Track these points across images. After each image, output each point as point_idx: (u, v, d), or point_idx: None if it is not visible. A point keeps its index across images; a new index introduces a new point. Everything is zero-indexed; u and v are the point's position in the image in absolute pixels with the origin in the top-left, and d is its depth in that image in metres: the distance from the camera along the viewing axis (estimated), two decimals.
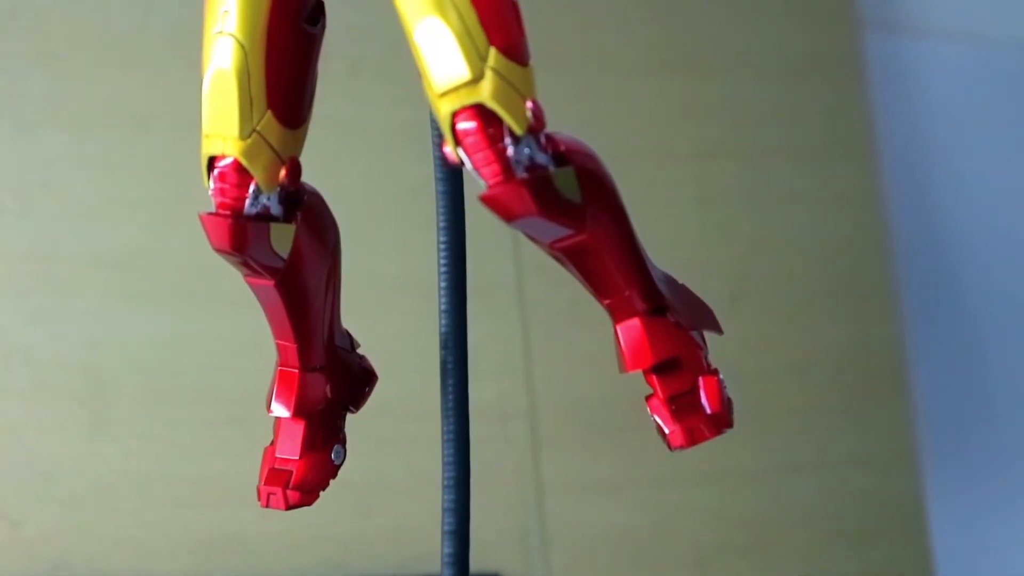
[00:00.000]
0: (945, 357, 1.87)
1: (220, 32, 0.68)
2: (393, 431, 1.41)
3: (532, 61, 0.67)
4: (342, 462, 0.81)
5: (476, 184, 0.66)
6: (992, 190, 1.93)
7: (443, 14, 0.64)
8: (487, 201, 0.65)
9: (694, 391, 0.72)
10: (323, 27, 0.73)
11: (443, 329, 0.83)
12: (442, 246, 0.83)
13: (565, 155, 0.67)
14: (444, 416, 0.82)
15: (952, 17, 1.97)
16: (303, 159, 0.73)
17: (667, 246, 1.57)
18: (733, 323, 1.60)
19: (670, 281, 0.74)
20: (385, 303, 1.44)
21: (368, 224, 1.45)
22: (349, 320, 0.82)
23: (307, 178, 0.73)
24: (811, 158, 1.78)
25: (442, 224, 0.82)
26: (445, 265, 0.83)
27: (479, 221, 0.66)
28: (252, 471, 0.79)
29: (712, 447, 0.73)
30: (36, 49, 1.42)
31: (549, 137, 0.66)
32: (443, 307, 0.83)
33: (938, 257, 1.90)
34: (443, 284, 0.83)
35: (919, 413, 1.80)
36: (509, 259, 1.53)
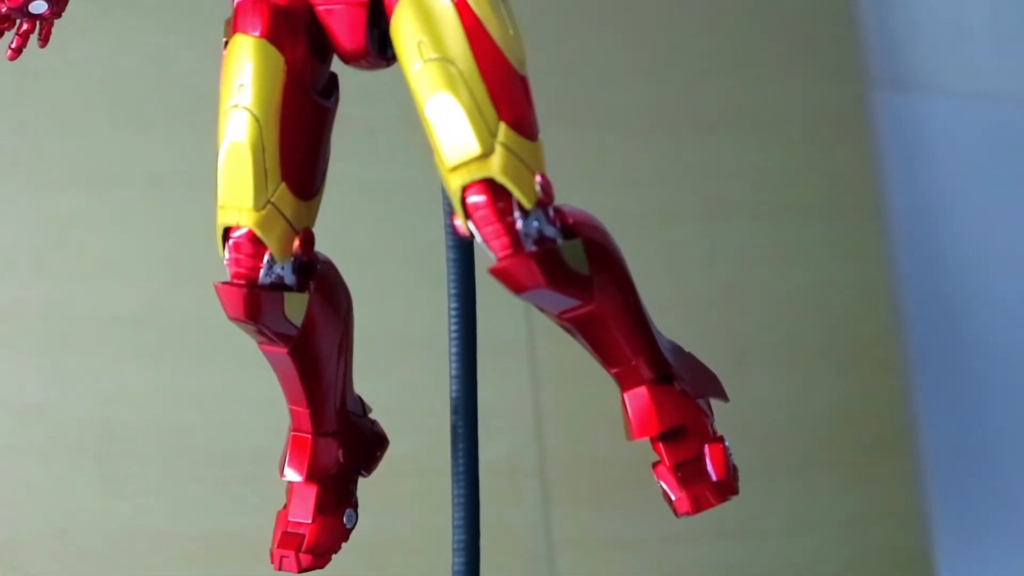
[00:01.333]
0: (951, 413, 1.88)
1: (235, 106, 0.70)
2: (403, 487, 1.42)
3: (541, 119, 0.68)
4: (354, 526, 0.82)
5: (486, 253, 0.67)
6: (1000, 248, 1.93)
7: (454, 90, 0.66)
8: (497, 273, 0.66)
9: (700, 459, 0.73)
10: (336, 100, 0.74)
11: (454, 394, 0.85)
12: (453, 312, 0.84)
13: (573, 228, 0.68)
14: (455, 480, 0.84)
15: (961, 75, 1.98)
16: (316, 221, 0.74)
17: (675, 304, 1.61)
18: (740, 381, 1.62)
19: (676, 349, 0.75)
20: (395, 359, 1.45)
21: (379, 282, 1.46)
22: (360, 376, 0.83)
23: (320, 235, 0.75)
24: (819, 216, 1.79)
25: (453, 291, 0.84)
26: (456, 332, 0.84)
27: (490, 281, 0.68)
28: (266, 528, 0.80)
29: (721, 505, 0.74)
30: (53, 109, 1.44)
31: (557, 210, 0.68)
32: (454, 372, 0.85)
33: (945, 314, 1.91)
34: (454, 350, 0.84)
35: (926, 469, 1.81)
36: (520, 317, 1.54)
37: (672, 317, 1.41)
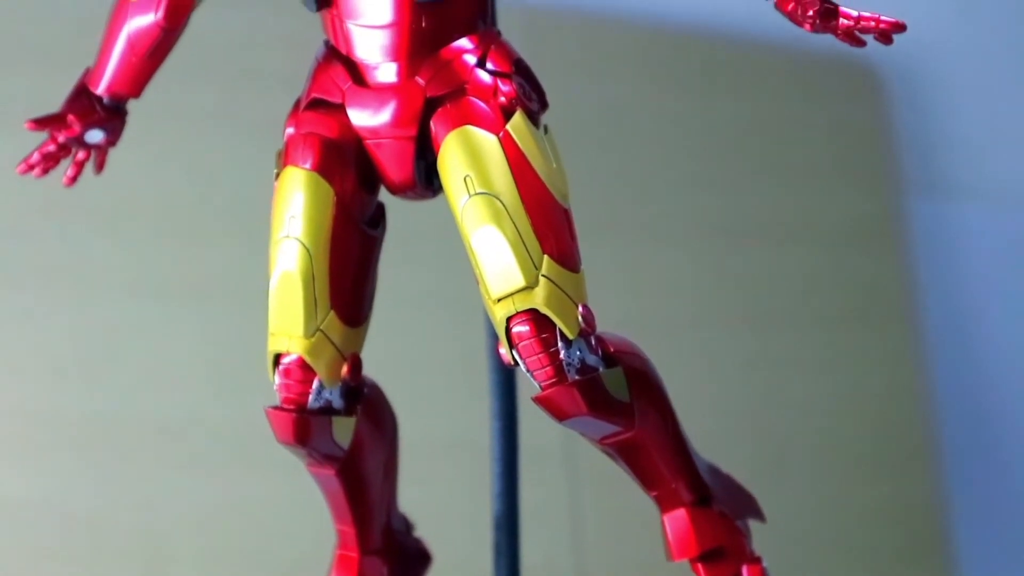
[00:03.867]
0: (987, 521, 1.87)
1: (287, 236, 0.72)
2: None
3: (581, 227, 0.71)
4: None
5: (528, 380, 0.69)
6: None
7: (499, 224, 0.68)
8: (541, 402, 0.68)
9: None
10: (384, 229, 0.77)
11: (496, 512, 0.87)
12: (496, 432, 0.86)
13: (614, 356, 0.70)
14: None
15: (995, 181, 1.99)
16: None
17: (713, 411, 1.62)
18: (779, 487, 1.63)
19: (714, 470, 0.77)
20: (437, 467, 1.46)
21: (419, 389, 1.48)
22: (401, 484, 0.85)
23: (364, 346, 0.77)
24: (854, 323, 1.80)
25: (496, 410, 0.86)
26: (499, 450, 0.86)
27: (529, 387, 0.70)
28: None
29: None
30: (99, 219, 1.46)
31: (599, 338, 0.70)
32: (497, 490, 0.87)
33: (978, 420, 1.91)
34: (497, 469, 0.87)
35: (961, 574, 1.80)
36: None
37: (710, 422, 1.43)
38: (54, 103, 0.82)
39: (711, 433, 0.79)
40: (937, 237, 1.92)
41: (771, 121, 1.82)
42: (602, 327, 0.70)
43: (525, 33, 1.58)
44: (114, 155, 0.83)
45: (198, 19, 0.79)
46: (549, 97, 0.74)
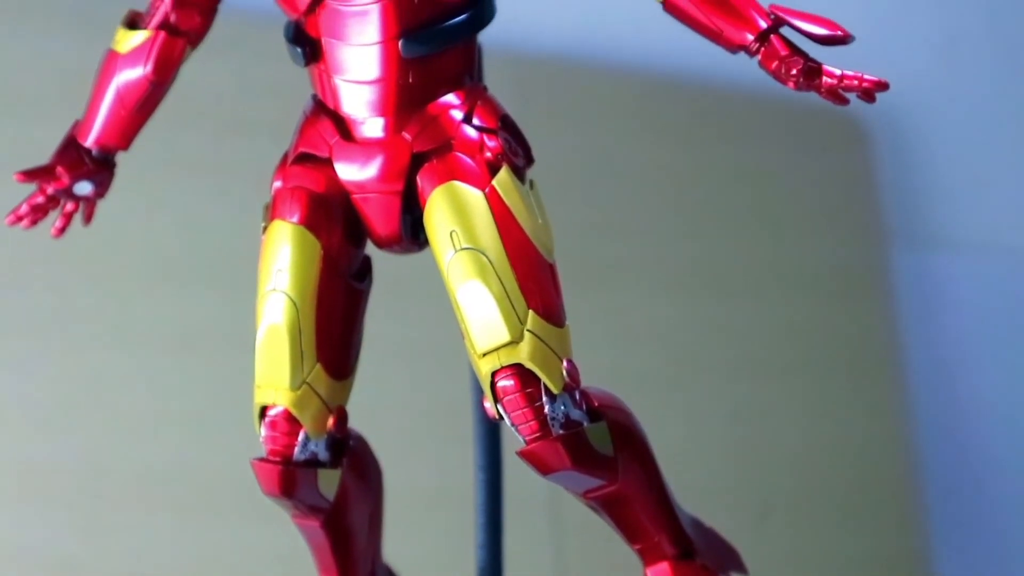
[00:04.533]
0: (971, 570, 1.88)
1: (273, 290, 0.73)
2: None
3: (565, 276, 0.71)
4: None
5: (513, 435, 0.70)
6: (1020, 404, 1.94)
7: (484, 279, 0.68)
8: (525, 456, 0.69)
9: None
10: (370, 283, 0.77)
11: (480, 563, 0.87)
12: (480, 483, 0.87)
13: (599, 410, 0.71)
14: None
15: (980, 230, 2.00)
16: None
17: (697, 462, 1.62)
18: (762, 539, 1.63)
19: (697, 524, 0.77)
20: (420, 516, 1.46)
21: (403, 439, 1.48)
22: (386, 534, 0.85)
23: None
24: (839, 372, 1.80)
25: (480, 463, 0.86)
26: (483, 502, 0.87)
27: (514, 438, 0.70)
28: None
29: None
30: (86, 267, 1.46)
31: (583, 393, 0.70)
32: (480, 541, 0.87)
33: (964, 471, 1.91)
34: (481, 520, 0.87)
35: None
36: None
37: (693, 472, 1.43)
38: (41, 151, 0.82)
39: (694, 483, 0.80)
40: (920, 287, 1.93)
41: (755, 171, 1.84)
42: (586, 376, 0.71)
43: (512, 82, 1.59)
44: (101, 203, 0.84)
45: (186, 67, 0.80)
46: (536, 145, 0.74)
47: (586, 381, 0.71)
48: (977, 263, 1.98)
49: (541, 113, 1.63)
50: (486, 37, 0.76)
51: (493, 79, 0.78)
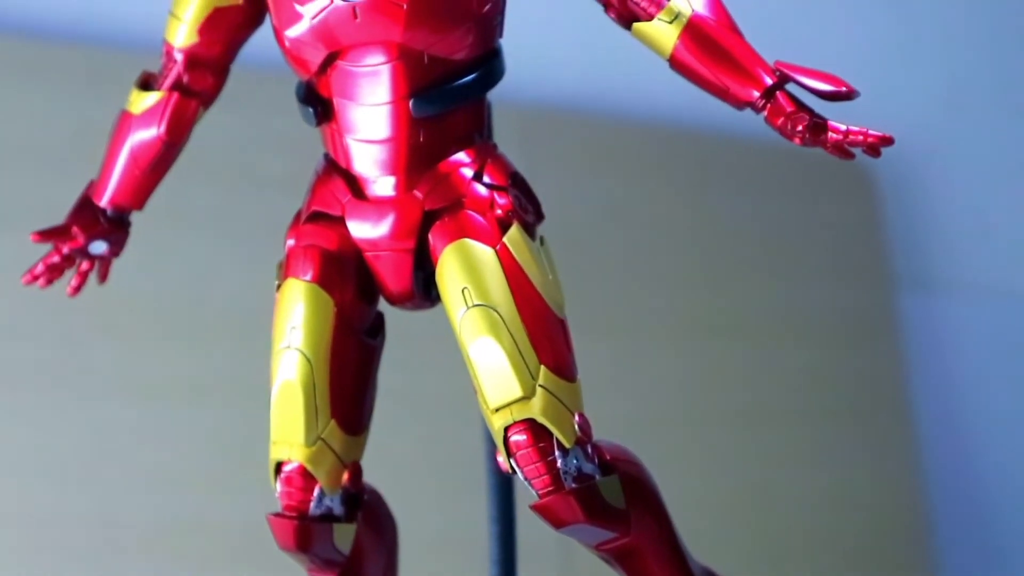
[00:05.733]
0: None
1: (287, 347, 0.74)
2: None
3: (573, 324, 0.72)
4: None
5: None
6: None
7: (496, 335, 0.69)
8: (538, 509, 0.69)
9: None
10: (383, 339, 0.78)
11: None
12: (493, 536, 0.87)
13: (610, 464, 0.71)
14: None
15: (985, 273, 2.00)
16: None
17: (708, 507, 1.62)
18: None
19: (708, 573, 0.77)
20: (435, 568, 1.47)
21: (417, 491, 1.48)
22: None
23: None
24: (847, 417, 1.81)
25: (493, 515, 0.87)
26: (496, 555, 0.87)
27: (527, 490, 0.71)
28: None
29: None
30: (99, 322, 1.47)
31: (595, 446, 0.71)
32: None
33: (974, 512, 1.92)
34: (494, 573, 0.87)
35: None
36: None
37: (706, 519, 1.43)
38: (55, 204, 0.83)
39: (706, 531, 0.80)
40: (927, 331, 1.94)
41: (763, 219, 1.84)
42: (598, 423, 0.71)
43: (521, 132, 1.61)
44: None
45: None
46: (544, 195, 0.75)
47: (598, 428, 0.71)
48: (983, 307, 1.98)
49: (550, 164, 1.64)
50: (495, 88, 0.76)
51: (501, 130, 0.79)
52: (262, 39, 0.79)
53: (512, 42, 0.76)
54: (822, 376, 1.81)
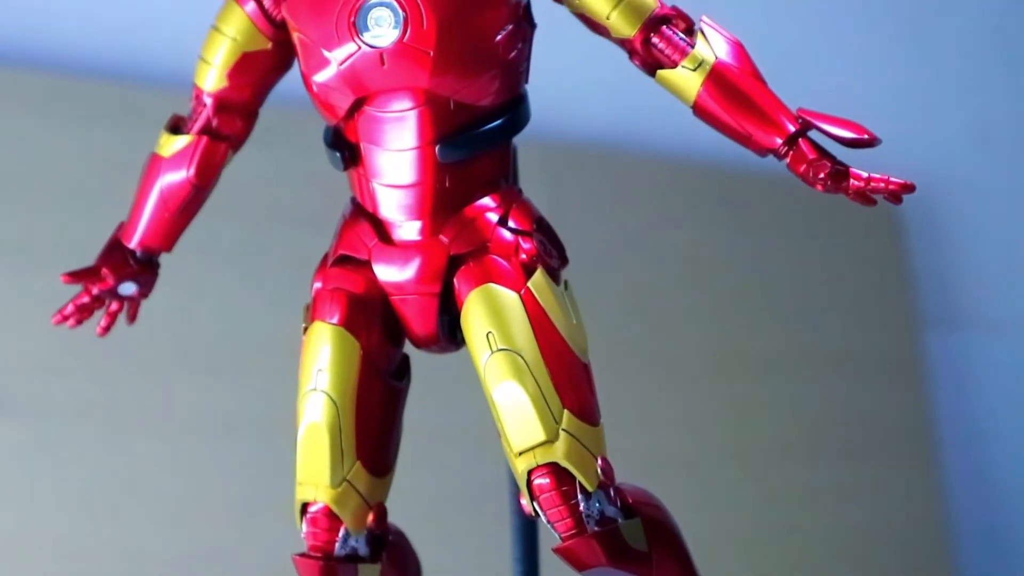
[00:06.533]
0: None
1: (314, 389, 0.74)
2: None
3: (599, 360, 0.72)
4: None
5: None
6: None
7: (520, 379, 0.70)
8: (561, 552, 0.70)
9: None
10: (408, 381, 0.79)
11: None
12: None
13: (633, 507, 0.72)
14: None
15: (1011, 312, 2.00)
16: None
17: (734, 544, 1.62)
18: None
19: None
20: None
21: (441, 531, 1.48)
22: None
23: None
24: (873, 455, 1.81)
25: (517, 555, 0.87)
26: None
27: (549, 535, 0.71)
28: None
29: None
30: (127, 356, 1.47)
31: (618, 489, 0.72)
32: None
33: (998, 553, 1.91)
34: None
35: None
36: None
37: (730, 555, 1.44)
38: (83, 243, 0.84)
39: (731, 570, 0.80)
40: (953, 369, 1.94)
41: (791, 256, 1.85)
42: (622, 460, 0.72)
43: (544, 170, 1.62)
44: None
45: None
46: (568, 232, 0.76)
47: (621, 465, 0.72)
48: (1009, 345, 1.98)
49: (575, 200, 1.65)
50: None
51: (527, 167, 0.79)
52: (291, 76, 0.80)
53: (538, 80, 0.77)
54: (849, 413, 1.81)
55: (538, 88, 0.78)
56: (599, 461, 0.70)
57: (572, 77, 1.61)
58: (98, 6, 1.59)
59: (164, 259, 0.85)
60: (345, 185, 0.78)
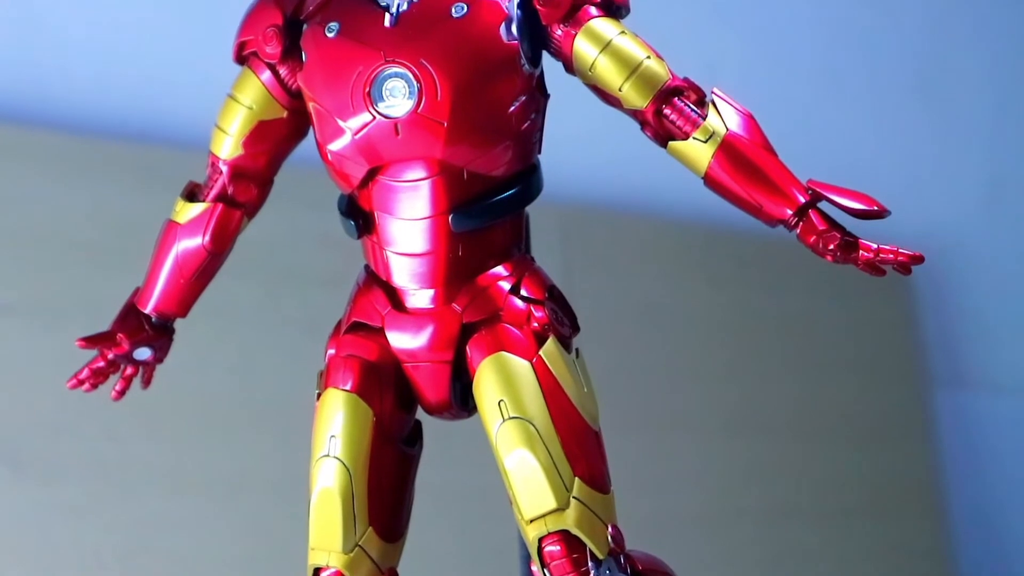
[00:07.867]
0: None
1: (327, 455, 0.75)
2: None
3: (606, 422, 0.73)
4: None
5: None
6: None
7: (532, 448, 0.70)
8: None
9: None
10: (420, 447, 0.79)
11: None
12: None
13: (643, 574, 0.72)
14: None
15: (1019, 372, 2.00)
16: None
17: None
18: None
19: None
20: None
21: None
22: None
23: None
24: (881, 516, 1.81)
25: None
26: None
27: None
28: None
29: None
30: (139, 416, 1.48)
31: (628, 556, 0.72)
32: None
33: None
34: None
35: None
36: None
37: None
38: (99, 303, 0.85)
39: None
40: (961, 430, 1.94)
41: (799, 317, 1.85)
42: (631, 521, 0.72)
43: (559, 230, 1.63)
44: None
45: None
46: (582, 290, 0.76)
47: (631, 524, 0.72)
48: (1017, 406, 1.98)
49: (588, 261, 1.65)
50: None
51: (541, 229, 0.80)
52: (306, 137, 0.81)
53: (552, 141, 0.78)
54: (855, 474, 1.81)
55: (552, 149, 0.78)
56: (610, 528, 0.71)
57: (584, 140, 1.61)
58: (115, 67, 1.60)
59: (176, 325, 0.85)
60: (359, 246, 0.79)
